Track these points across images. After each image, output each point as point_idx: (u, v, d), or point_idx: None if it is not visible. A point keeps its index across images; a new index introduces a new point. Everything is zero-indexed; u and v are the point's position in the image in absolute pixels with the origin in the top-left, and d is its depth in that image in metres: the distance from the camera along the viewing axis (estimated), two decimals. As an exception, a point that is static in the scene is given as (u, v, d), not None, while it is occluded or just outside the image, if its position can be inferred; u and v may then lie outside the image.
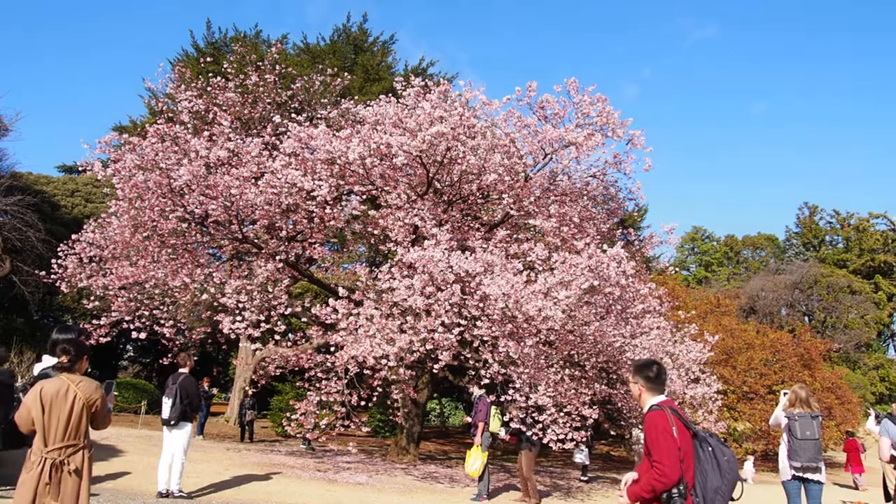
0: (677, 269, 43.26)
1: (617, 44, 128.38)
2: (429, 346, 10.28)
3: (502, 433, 11.15)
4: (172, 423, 8.43)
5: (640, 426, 13.46)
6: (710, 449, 3.60)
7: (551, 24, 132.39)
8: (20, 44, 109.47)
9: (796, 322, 38.23)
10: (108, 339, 12.88)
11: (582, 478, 15.34)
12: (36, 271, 15.27)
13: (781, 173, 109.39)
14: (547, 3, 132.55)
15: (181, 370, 8.84)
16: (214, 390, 18.82)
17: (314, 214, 11.99)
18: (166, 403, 8.52)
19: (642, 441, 3.89)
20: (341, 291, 11.09)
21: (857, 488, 16.74)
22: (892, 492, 10.04)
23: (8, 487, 7.51)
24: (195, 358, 9.45)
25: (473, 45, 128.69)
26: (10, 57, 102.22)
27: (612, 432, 17.40)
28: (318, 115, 16.05)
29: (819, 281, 43.20)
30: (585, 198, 12.89)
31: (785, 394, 7.66)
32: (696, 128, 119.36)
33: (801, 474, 6.96)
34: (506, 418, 10.88)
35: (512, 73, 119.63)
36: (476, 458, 10.36)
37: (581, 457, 15.27)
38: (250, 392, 18.91)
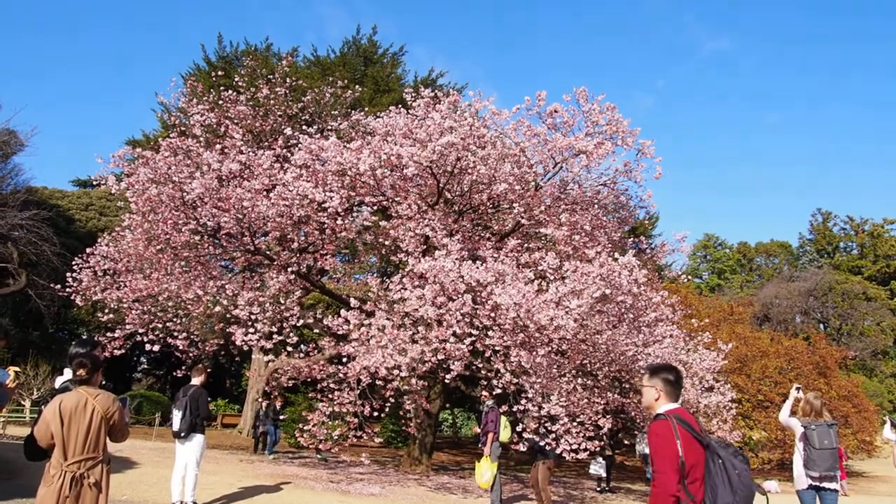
0: (690, 276, 43.03)
1: (631, 55, 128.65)
2: (440, 357, 10.27)
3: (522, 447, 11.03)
4: (182, 434, 8.47)
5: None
6: (720, 462, 3.43)
7: (565, 36, 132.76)
8: (34, 60, 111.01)
9: (811, 329, 37.86)
10: (123, 351, 12.97)
11: (597, 489, 15.23)
12: (51, 285, 15.42)
13: (794, 180, 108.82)
14: (561, 16, 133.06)
15: (193, 382, 8.88)
16: (283, 416, 18.54)
17: (325, 226, 12.04)
18: (176, 415, 8.56)
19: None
20: (353, 302, 11.11)
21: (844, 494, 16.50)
22: None
23: (25, 499, 7.57)
24: (209, 370, 9.50)
25: (488, 56, 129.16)
26: (25, 73, 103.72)
27: (626, 442, 17.29)
28: (329, 127, 16.15)
29: (834, 288, 42.84)
30: (596, 206, 12.87)
31: (798, 389, 7.61)
32: (708, 136, 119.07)
33: (818, 484, 6.91)
34: (519, 428, 10.84)
35: (526, 84, 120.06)
36: (486, 470, 10.31)
37: (596, 468, 15.13)
38: (264, 404, 18.94)
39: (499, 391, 10.93)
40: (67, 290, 13.08)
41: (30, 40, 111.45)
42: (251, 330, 11.56)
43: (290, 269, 12.06)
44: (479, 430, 11.32)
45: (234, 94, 16.63)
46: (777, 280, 47.46)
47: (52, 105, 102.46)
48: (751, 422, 20.70)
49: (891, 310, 43.72)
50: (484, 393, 11.29)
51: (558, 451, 10.65)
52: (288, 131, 13.38)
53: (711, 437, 3.61)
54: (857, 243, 52.16)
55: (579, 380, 11.89)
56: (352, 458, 15.33)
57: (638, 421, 14.28)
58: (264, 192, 11.26)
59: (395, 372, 10.30)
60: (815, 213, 56.10)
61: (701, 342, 14.76)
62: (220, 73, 20.52)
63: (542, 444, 10.44)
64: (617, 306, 11.15)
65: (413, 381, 10.81)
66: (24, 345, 23.38)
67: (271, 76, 18.16)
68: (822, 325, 43.68)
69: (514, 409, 11.01)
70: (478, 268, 10.04)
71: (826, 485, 6.89)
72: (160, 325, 12.70)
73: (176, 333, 12.65)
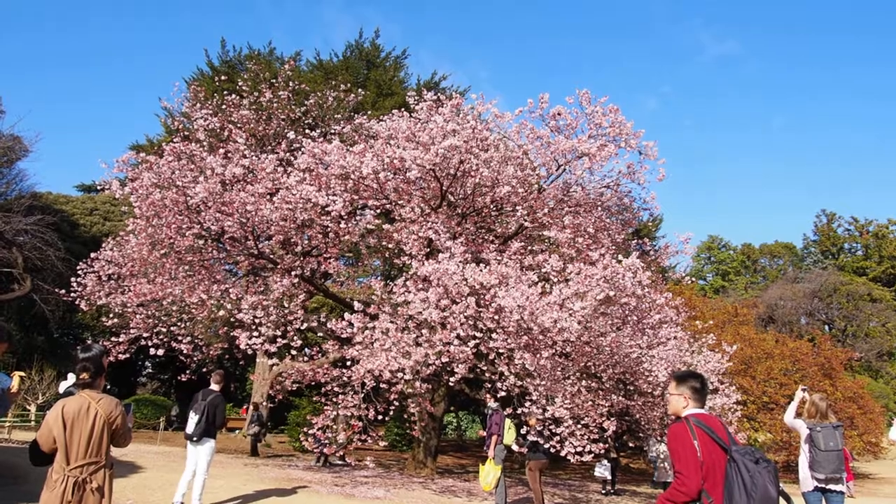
0: (694, 278, 42.92)
1: (636, 58, 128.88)
2: (444, 359, 10.27)
3: (515, 447, 11.08)
4: (195, 439, 8.49)
5: (658, 439, 13.31)
6: (735, 465, 3.47)
7: (571, 40, 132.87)
8: (37, 62, 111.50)
9: (816, 331, 37.76)
10: (127, 355, 12.99)
11: (602, 491, 15.19)
12: (55, 289, 15.47)
13: (798, 181, 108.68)
14: (566, 21, 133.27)
15: (212, 387, 8.91)
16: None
17: (329, 229, 12.05)
18: (192, 419, 8.58)
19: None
20: (357, 305, 11.10)
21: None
22: None
23: (29, 503, 7.58)
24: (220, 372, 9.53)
25: (494, 62, 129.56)
26: (27, 76, 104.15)
27: (631, 444, 17.24)
28: (332, 131, 16.17)
29: (838, 289, 42.72)
30: (599, 208, 12.85)
31: (804, 390, 7.58)
32: (711, 138, 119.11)
33: (823, 486, 6.89)
34: (524, 430, 10.83)
35: (531, 88, 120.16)
36: (490, 472, 10.30)
37: (601, 470, 15.11)
38: (251, 407, 18.93)
39: (503, 394, 10.91)
40: (72, 294, 13.12)
41: (31, 41, 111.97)
42: (255, 334, 11.57)
43: (293, 273, 12.06)
44: (483, 433, 11.31)
45: (238, 98, 16.67)
46: (781, 281, 47.37)
47: (56, 110, 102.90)
48: (756, 423, 20.65)
49: (896, 311, 43.57)
50: (488, 396, 11.28)
51: (563, 453, 10.63)
52: (291, 135, 13.41)
53: (737, 444, 3.61)
54: (861, 244, 52.03)
55: (583, 382, 11.86)
56: (356, 462, 15.31)
57: (643, 423, 14.24)
58: (268, 196, 11.27)
59: (399, 375, 10.30)
60: (819, 214, 56.21)
61: (705, 344, 14.72)
62: (223, 77, 20.60)
63: (532, 441, 10.45)
64: (621, 308, 11.13)
65: (417, 384, 10.81)
66: (28, 349, 23.44)
67: (274, 80, 18.21)
68: (826, 327, 43.56)
69: (519, 411, 11.00)
70: (481, 270, 10.03)
71: (832, 486, 6.87)
72: (164, 330, 12.73)
73: (180, 337, 12.67)
